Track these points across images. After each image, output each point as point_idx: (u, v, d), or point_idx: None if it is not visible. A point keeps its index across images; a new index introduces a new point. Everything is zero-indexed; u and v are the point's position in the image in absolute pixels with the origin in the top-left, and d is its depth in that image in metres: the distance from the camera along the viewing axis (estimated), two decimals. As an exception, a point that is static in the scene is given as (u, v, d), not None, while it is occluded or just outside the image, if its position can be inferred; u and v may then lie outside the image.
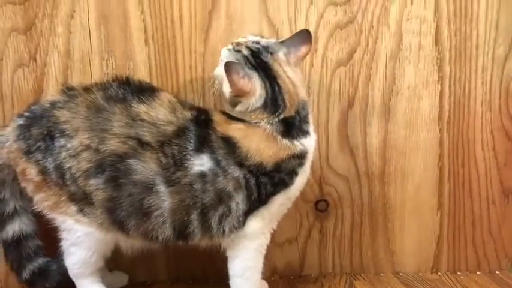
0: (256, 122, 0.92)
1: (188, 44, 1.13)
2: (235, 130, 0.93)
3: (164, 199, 0.91)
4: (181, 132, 0.92)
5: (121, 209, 0.92)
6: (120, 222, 0.94)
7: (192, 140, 0.92)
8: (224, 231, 0.94)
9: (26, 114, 0.98)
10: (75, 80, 1.12)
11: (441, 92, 1.19)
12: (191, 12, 1.12)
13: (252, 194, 0.92)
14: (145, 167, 0.90)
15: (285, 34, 1.12)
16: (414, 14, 1.15)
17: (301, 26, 1.12)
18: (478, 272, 1.26)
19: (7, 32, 1.10)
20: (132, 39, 1.12)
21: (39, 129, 0.94)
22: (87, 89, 0.96)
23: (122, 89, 0.95)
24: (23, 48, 1.11)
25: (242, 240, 0.97)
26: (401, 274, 1.25)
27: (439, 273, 1.26)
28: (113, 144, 0.90)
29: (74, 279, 1.02)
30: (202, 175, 0.91)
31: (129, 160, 0.90)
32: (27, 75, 1.12)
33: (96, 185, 0.91)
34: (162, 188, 0.91)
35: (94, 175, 0.91)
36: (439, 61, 1.18)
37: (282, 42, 0.97)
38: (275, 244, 1.19)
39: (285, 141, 0.92)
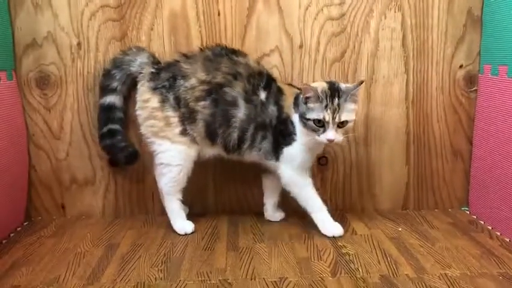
0: None
1: (230, 48, 1.54)
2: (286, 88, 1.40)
3: (240, 110, 1.35)
4: (261, 72, 1.39)
5: (215, 120, 1.35)
6: (213, 131, 1.36)
7: (264, 79, 1.37)
8: (260, 149, 1.38)
9: (155, 66, 1.41)
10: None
11: (407, 80, 1.56)
12: (232, 26, 1.52)
13: (275, 131, 1.37)
14: (234, 91, 1.35)
15: (297, 39, 1.53)
16: (387, 25, 1.53)
17: (308, 35, 1.53)
18: (435, 210, 1.63)
19: (108, 39, 1.52)
20: (193, 44, 1.52)
21: (167, 74, 1.38)
22: (201, 50, 1.42)
23: (223, 50, 1.40)
24: (119, 51, 1.52)
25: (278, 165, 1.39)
26: (379, 211, 1.62)
27: (407, 210, 1.63)
28: (218, 78, 1.36)
29: (165, 197, 1.41)
30: (262, 102, 1.36)
31: (225, 88, 1.35)
32: (120, 69, 1.55)
33: (203, 105, 1.35)
34: (241, 103, 1.35)
35: (203, 99, 1.35)
36: (405, 58, 1.54)
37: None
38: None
39: None
